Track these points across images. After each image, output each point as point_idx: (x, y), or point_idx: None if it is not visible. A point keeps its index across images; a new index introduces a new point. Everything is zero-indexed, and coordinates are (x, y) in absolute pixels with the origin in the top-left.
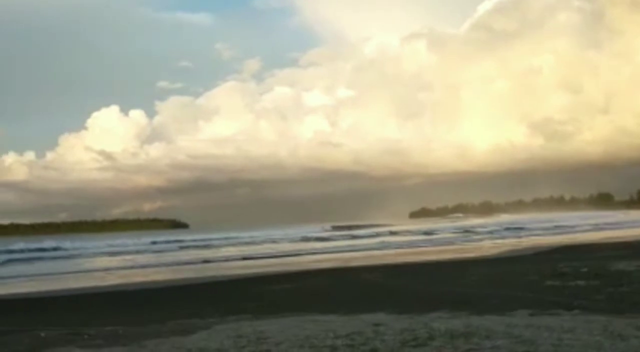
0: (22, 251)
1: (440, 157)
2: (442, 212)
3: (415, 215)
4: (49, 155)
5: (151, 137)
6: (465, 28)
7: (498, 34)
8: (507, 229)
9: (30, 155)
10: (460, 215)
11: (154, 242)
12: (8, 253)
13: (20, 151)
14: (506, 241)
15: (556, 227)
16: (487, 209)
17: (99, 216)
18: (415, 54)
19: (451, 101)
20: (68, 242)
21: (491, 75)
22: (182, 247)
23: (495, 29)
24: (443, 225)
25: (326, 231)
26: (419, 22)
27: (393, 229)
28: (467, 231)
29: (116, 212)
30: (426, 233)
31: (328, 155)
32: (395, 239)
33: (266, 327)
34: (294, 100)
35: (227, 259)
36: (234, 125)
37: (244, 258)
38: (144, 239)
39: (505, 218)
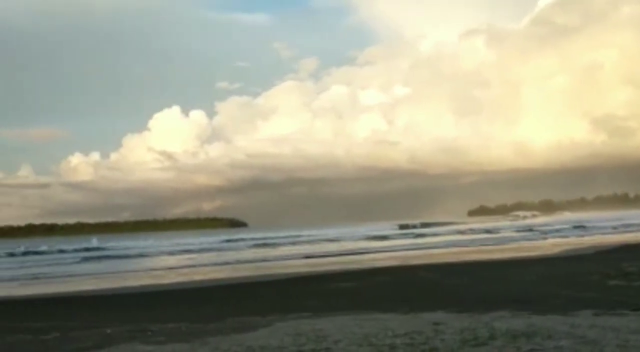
0: (94, 249)
1: (499, 155)
2: (501, 211)
3: (473, 213)
4: (113, 156)
5: (211, 137)
6: (525, 23)
7: (559, 28)
8: (576, 227)
9: (95, 156)
10: (528, 214)
11: (227, 241)
12: (83, 251)
13: (85, 152)
14: (569, 239)
15: (623, 225)
16: (547, 207)
17: (160, 215)
18: (473, 50)
19: (510, 98)
20: (136, 242)
21: (552, 71)
22: (246, 246)
23: (556, 23)
24: (517, 223)
25: (393, 229)
26: (478, 18)
27: (464, 227)
28: (530, 230)
29: (177, 212)
30: (491, 231)
31: (384, 153)
32: (463, 238)
33: (325, 325)
34: (351, 98)
35: (288, 258)
36: (291, 125)
37: (306, 256)
38: (208, 238)
39: (569, 216)
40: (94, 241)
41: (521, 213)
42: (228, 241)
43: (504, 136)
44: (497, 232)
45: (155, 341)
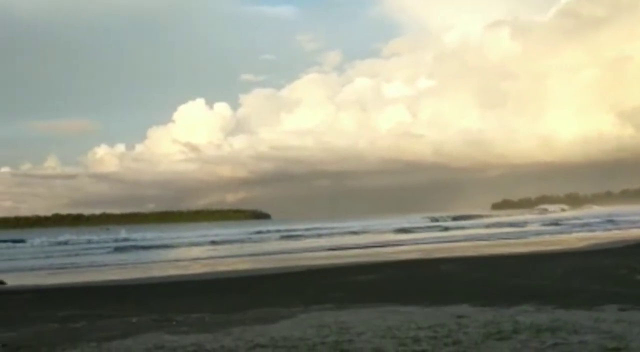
0: (123, 240)
1: (524, 148)
2: (525, 204)
3: (497, 206)
4: (138, 148)
5: (235, 129)
6: (552, 14)
7: (586, 20)
8: (605, 220)
9: (120, 147)
10: (556, 208)
11: (251, 233)
12: (112, 242)
13: (111, 144)
14: (597, 233)
15: None
16: (573, 200)
17: (184, 206)
18: (498, 42)
19: (536, 90)
20: (164, 233)
21: (578, 63)
22: (270, 238)
23: (583, 15)
24: (545, 217)
25: (422, 222)
26: (503, 10)
27: (493, 220)
28: (558, 223)
29: (201, 203)
30: (519, 225)
31: (408, 146)
32: (491, 231)
33: (348, 317)
34: (375, 91)
35: (312, 250)
36: (315, 117)
37: (330, 249)
38: (233, 229)
39: (598, 210)
40: (123, 232)
41: (549, 207)
42: (252, 232)
43: (530, 129)
44: (525, 226)
45: (179, 330)
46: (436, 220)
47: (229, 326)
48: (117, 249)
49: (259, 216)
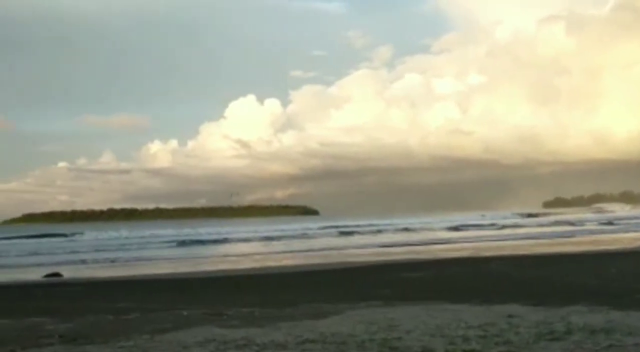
0: (187, 235)
1: (577, 145)
2: (577, 202)
3: (549, 205)
4: (190, 144)
5: (285, 125)
6: (608, 8)
7: None
8: None
9: (173, 143)
10: (616, 207)
11: (302, 228)
12: (175, 236)
13: (164, 140)
14: None
15: None
16: (628, 199)
17: (235, 201)
18: (552, 37)
19: (590, 86)
20: (219, 228)
21: (635, 58)
22: (321, 234)
23: None
24: (603, 215)
25: (476, 219)
26: (557, 4)
27: (552, 218)
28: (611, 223)
29: (251, 199)
30: (575, 223)
31: (458, 143)
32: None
33: (397, 314)
34: (425, 87)
35: (362, 246)
36: (365, 113)
37: (381, 246)
38: (284, 225)
39: None
40: (187, 229)
41: (609, 205)
42: (305, 228)
43: (583, 125)
44: (582, 225)
45: (229, 324)
46: (492, 217)
47: (278, 321)
48: (180, 244)
49: (308, 212)
